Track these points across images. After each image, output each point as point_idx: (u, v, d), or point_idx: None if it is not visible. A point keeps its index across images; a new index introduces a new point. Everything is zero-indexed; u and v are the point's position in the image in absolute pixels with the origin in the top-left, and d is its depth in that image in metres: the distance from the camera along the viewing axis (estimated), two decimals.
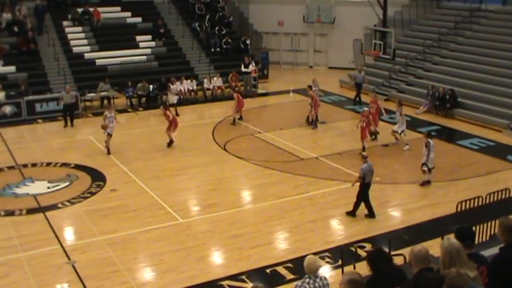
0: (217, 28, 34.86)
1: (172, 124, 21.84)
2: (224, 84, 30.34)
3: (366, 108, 22.11)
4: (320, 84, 27.34)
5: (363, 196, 15.54)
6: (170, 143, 21.82)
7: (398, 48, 30.24)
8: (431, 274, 5.98)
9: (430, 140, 17.91)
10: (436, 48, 31.37)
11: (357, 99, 28.48)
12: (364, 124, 20.95)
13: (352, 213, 15.66)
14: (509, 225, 6.55)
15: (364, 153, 16.09)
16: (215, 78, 30.18)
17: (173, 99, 26.95)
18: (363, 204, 15.66)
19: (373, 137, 22.33)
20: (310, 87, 24.88)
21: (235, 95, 25.29)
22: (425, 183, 18.03)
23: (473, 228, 10.03)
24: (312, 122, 24.10)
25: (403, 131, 21.52)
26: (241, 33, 36.10)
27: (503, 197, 13.95)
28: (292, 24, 38.39)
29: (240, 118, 25.06)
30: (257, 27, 37.33)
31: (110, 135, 21.01)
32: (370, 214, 15.63)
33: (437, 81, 27.82)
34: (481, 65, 28.09)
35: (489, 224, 13.24)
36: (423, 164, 17.93)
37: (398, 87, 29.72)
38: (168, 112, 22.00)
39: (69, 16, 32.67)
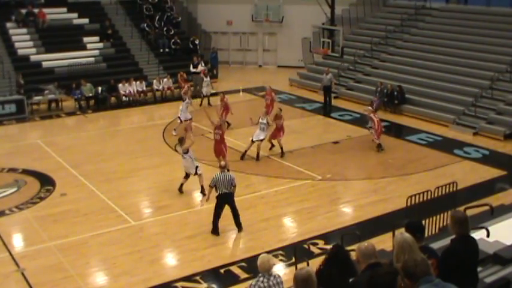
0: (165, 28, 34.62)
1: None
2: (174, 85, 30.21)
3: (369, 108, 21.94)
4: (271, 83, 27.45)
5: (215, 208, 14.62)
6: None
7: (346, 46, 30.57)
8: (384, 268, 6.06)
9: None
10: (383, 46, 31.86)
11: (327, 103, 27.73)
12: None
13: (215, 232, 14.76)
14: (459, 217, 6.73)
15: (222, 163, 15.04)
16: (165, 79, 30.02)
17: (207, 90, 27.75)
18: (317, 203, 15.72)
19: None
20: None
21: (225, 99, 23.76)
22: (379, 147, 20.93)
23: (423, 221, 10.22)
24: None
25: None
26: (190, 34, 35.93)
27: (450, 190, 14.25)
28: (240, 23, 38.42)
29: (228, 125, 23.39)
30: (206, 27, 37.21)
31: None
32: (214, 230, 14.66)
33: (385, 78, 28.23)
34: (427, 61, 28.65)
35: (438, 217, 13.54)
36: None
37: (347, 85, 30.05)
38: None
39: (13, 17, 31.95)
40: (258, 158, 20.20)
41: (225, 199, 14.56)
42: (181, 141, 17.63)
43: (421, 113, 25.63)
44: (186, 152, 17.05)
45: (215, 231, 14.70)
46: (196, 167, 17.15)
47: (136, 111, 27.92)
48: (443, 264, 6.44)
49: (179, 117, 23.23)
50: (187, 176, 17.33)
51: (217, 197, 14.57)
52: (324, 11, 32.19)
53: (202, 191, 16.97)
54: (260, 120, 20.52)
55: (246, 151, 20.43)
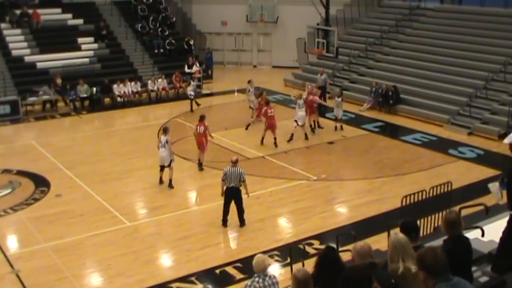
0: (160, 29, 34.58)
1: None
2: (169, 85, 30.18)
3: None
4: (266, 84, 27.43)
5: (223, 203, 15.04)
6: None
7: (341, 47, 30.57)
8: (362, 265, 6.08)
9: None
10: (378, 46, 31.91)
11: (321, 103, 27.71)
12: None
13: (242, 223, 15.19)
14: (451, 219, 6.73)
15: (234, 158, 15.25)
16: (160, 80, 29.99)
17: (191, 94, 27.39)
18: (309, 204, 15.69)
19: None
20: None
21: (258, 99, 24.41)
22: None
23: (418, 221, 10.22)
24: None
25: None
26: (184, 34, 35.90)
27: (445, 190, 14.27)
28: (235, 24, 38.42)
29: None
30: (200, 27, 37.18)
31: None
32: (223, 223, 15.10)
33: (379, 78, 28.28)
34: (422, 61, 28.70)
35: (433, 216, 13.56)
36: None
37: (342, 85, 30.05)
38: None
39: (7, 18, 31.84)
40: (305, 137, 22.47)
41: (232, 193, 14.83)
42: (165, 130, 18.09)
43: (416, 113, 25.67)
44: (167, 142, 17.73)
45: (223, 224, 15.08)
46: (171, 160, 17.80)
47: (131, 112, 27.89)
48: None
49: (250, 106, 25.17)
50: (162, 168, 17.93)
51: (225, 191, 14.89)
52: (318, 11, 32.19)
53: (170, 184, 17.79)
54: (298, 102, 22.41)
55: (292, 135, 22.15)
